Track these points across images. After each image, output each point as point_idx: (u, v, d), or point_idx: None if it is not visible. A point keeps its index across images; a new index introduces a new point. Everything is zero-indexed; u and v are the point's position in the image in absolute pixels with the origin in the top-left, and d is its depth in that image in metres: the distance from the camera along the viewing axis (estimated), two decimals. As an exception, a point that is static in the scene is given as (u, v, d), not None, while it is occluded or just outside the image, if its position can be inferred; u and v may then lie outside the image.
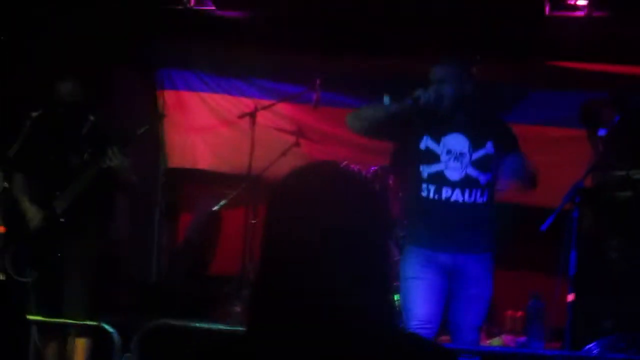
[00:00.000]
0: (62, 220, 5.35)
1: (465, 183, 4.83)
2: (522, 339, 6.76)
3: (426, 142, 4.87)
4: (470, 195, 4.82)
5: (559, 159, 7.28)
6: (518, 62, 7.41)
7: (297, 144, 7.59)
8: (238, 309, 7.01)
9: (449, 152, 4.84)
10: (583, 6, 6.83)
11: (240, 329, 4.32)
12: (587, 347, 5.33)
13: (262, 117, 7.73)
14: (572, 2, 6.83)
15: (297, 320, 1.72)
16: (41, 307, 5.32)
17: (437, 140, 4.86)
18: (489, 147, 4.89)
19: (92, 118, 5.47)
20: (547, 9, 6.87)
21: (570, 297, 5.46)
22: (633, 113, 6.38)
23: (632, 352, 5.03)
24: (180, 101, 8.35)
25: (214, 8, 7.45)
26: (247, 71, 8.19)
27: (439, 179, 4.83)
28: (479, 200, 4.85)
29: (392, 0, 6.89)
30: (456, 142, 4.86)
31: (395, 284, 5.01)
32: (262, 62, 8.03)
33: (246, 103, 8.03)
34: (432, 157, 4.85)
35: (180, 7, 7.42)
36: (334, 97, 7.57)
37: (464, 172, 4.84)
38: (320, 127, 7.74)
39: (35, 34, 6.92)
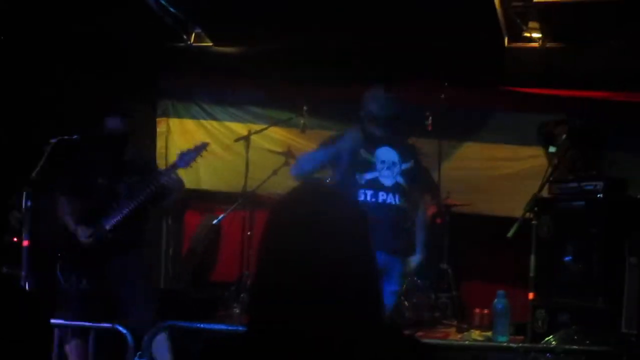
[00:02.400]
0: (109, 235, 5.77)
1: (396, 189, 5.42)
2: (489, 333, 6.94)
3: (362, 154, 5.42)
4: (399, 200, 5.43)
5: (519, 173, 7.90)
6: (480, 88, 7.98)
7: (286, 164, 7.90)
8: (237, 310, 7.44)
9: (382, 162, 5.43)
10: (538, 38, 7.52)
11: (240, 328, 4.63)
12: (546, 339, 5.60)
13: (255, 140, 8.26)
14: (528, 35, 7.50)
15: (289, 322, 1.83)
16: (93, 313, 5.53)
17: (372, 152, 5.42)
18: (411, 163, 5.54)
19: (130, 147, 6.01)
20: (506, 41, 7.55)
21: (531, 296, 6.02)
22: (579, 132, 6.91)
23: (585, 343, 5.23)
24: (183, 128, 8.83)
25: (211, 44, 8.20)
26: (241, 100, 8.68)
27: (375, 185, 5.39)
28: (404, 206, 5.48)
29: (365, 36, 7.44)
30: (387, 154, 5.45)
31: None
32: (255, 92, 8.56)
33: (241, 128, 8.55)
34: (368, 166, 5.40)
35: (182, 44, 8.17)
36: (318, 121, 8.02)
37: (394, 179, 5.44)
38: (307, 149, 7.82)
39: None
